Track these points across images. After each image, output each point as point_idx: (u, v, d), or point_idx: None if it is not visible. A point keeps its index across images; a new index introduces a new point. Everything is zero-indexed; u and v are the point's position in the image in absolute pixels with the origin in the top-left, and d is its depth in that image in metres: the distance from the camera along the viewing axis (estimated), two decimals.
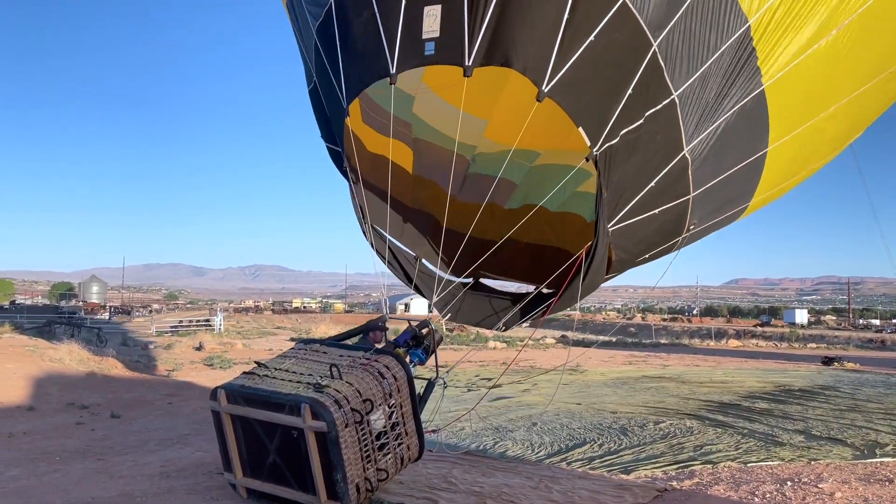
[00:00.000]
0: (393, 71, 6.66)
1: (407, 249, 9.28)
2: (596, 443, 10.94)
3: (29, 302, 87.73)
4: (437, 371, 7.47)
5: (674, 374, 23.62)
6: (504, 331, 8.98)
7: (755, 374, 24.23)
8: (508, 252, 8.97)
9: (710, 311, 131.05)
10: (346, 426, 5.35)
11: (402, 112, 8.23)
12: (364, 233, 8.46)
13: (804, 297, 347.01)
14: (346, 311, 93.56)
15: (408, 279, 8.93)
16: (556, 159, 8.99)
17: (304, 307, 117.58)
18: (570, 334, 55.29)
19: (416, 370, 7.24)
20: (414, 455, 6.35)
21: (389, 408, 5.88)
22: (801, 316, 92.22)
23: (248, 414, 5.66)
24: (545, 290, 8.55)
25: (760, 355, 35.76)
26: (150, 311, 69.08)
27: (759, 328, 68.81)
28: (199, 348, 28.46)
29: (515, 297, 9.19)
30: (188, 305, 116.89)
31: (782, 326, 73.76)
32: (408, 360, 7.12)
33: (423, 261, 9.37)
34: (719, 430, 12.19)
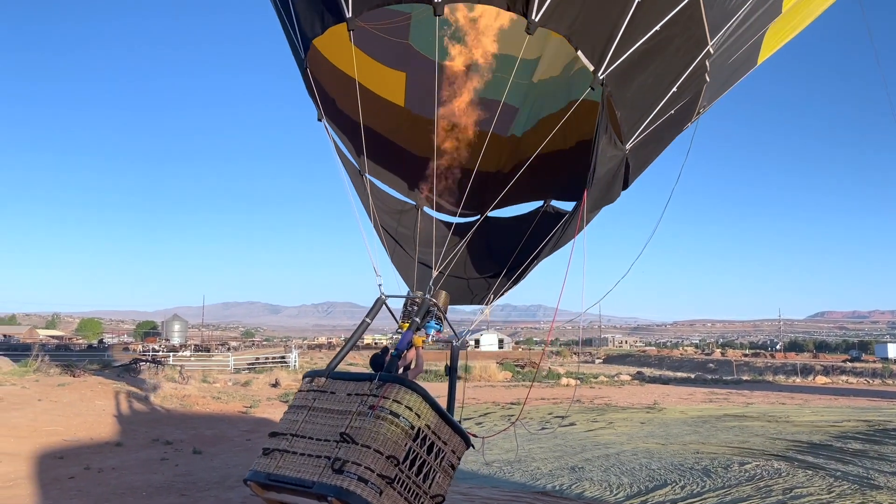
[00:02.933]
0: (349, 15, 6.15)
1: (403, 198, 8.76)
2: (678, 484, 10.55)
3: (115, 340, 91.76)
4: (454, 333, 7.28)
5: (758, 412, 22.64)
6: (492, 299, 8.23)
7: (846, 412, 22.96)
8: (512, 174, 8.41)
9: (794, 346, 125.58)
10: (381, 493, 5.29)
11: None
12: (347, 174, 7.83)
13: None
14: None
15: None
16: (556, 69, 8.16)
17: (375, 343, 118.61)
18: (646, 370, 53.89)
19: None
20: (461, 451, 6.27)
21: (416, 439, 5.79)
22: (895, 350, 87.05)
23: (286, 500, 5.66)
24: (555, 206, 8.36)
25: (851, 392, 33.90)
26: (229, 349, 71.05)
27: (849, 364, 65.26)
28: (276, 385, 29.01)
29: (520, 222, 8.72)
30: (264, 342, 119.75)
31: (874, 362, 69.78)
32: (419, 334, 6.97)
33: (425, 209, 8.87)
34: (810, 472, 11.58)
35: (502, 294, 8.01)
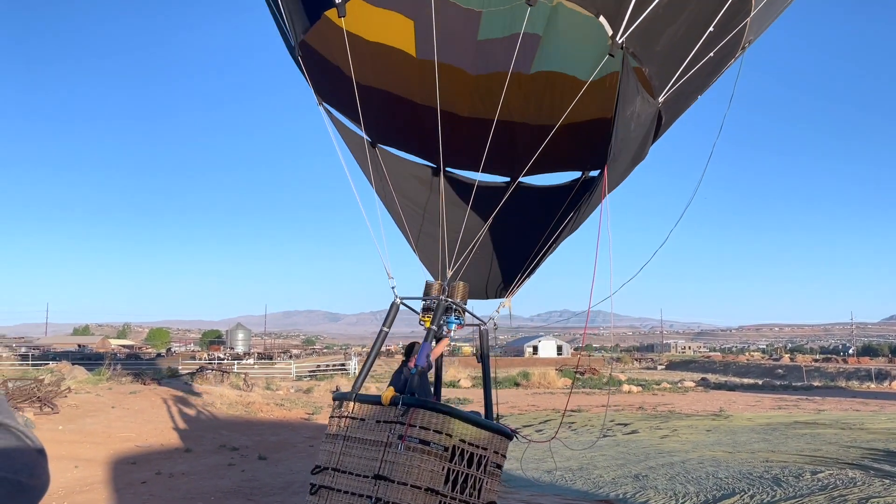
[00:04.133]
0: (338, 0, 6.06)
1: (422, 161, 8.31)
2: (746, 493, 10.24)
3: (183, 349, 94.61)
4: (478, 319, 7.08)
5: (830, 419, 21.80)
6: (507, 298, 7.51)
7: None
8: (544, 135, 7.62)
9: (868, 351, 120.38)
10: None
11: None
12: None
13: None
14: (474, 355, 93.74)
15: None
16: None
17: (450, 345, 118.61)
18: (710, 377, 52.55)
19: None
20: (504, 448, 6.21)
21: (453, 458, 5.75)
22: None
23: None
24: (593, 174, 7.87)
25: None
26: (290, 357, 72.36)
27: None
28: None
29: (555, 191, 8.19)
30: (324, 350, 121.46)
31: None
32: (445, 330, 6.78)
33: (448, 169, 8.35)
34: (887, 480, 11.07)
35: (524, 280, 7.51)
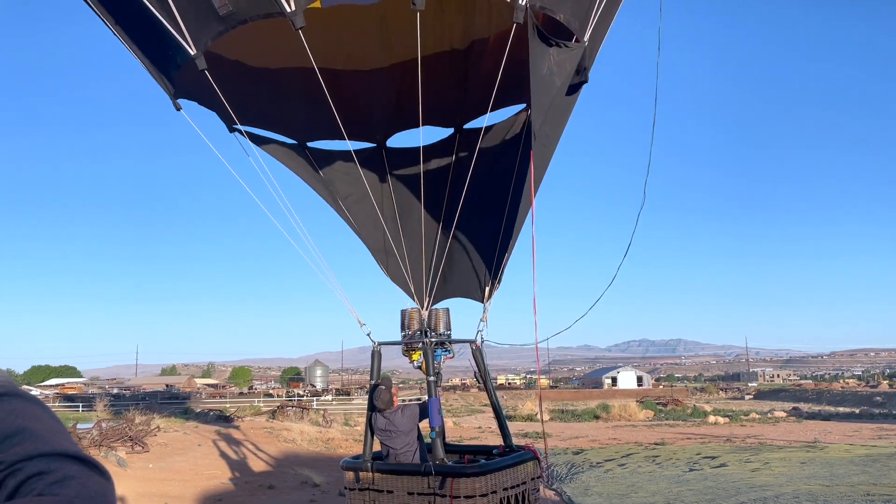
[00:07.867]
0: (193, 52, 5.70)
1: (362, 145, 7.73)
2: None
3: (264, 387, 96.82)
4: (466, 340, 6.90)
5: None
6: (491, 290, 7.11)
7: None
8: (476, 62, 6.91)
9: None
10: None
11: None
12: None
13: None
14: (551, 387, 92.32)
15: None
16: None
17: (509, 384, 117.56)
18: (802, 406, 50.04)
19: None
20: (536, 469, 6.14)
21: None
22: None
23: None
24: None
25: None
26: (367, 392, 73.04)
27: None
28: None
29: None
30: (400, 385, 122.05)
31: None
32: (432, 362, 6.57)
33: (388, 144, 7.82)
34: None
35: (505, 262, 7.05)
